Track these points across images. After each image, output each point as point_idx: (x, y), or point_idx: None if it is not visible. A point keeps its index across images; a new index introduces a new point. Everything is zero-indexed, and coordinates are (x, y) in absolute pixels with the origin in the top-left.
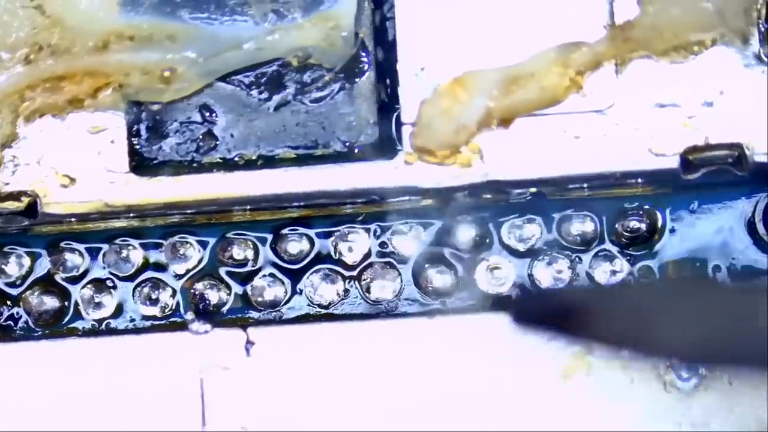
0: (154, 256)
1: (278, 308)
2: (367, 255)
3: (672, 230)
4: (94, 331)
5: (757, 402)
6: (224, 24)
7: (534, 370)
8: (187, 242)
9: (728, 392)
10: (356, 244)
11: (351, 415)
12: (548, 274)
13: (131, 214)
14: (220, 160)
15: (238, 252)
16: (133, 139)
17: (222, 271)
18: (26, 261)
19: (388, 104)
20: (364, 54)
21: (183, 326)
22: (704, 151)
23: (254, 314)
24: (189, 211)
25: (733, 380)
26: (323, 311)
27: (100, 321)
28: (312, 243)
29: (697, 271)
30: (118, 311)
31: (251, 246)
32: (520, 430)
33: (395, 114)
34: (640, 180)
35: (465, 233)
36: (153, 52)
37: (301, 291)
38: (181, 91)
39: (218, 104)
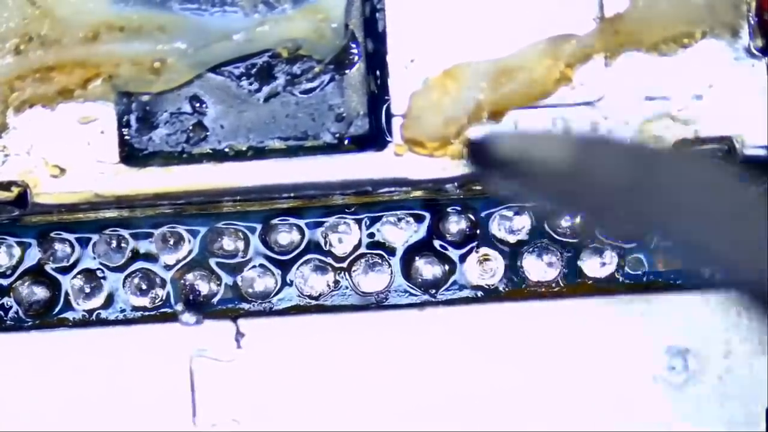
0: (145, 246)
1: (268, 299)
2: (357, 246)
3: None
4: (84, 322)
5: (747, 396)
6: (214, 15)
7: (522, 363)
8: (177, 233)
9: (718, 386)
10: (346, 235)
11: (341, 407)
12: (538, 266)
13: (121, 205)
14: (210, 151)
15: (228, 243)
16: (123, 129)
17: (212, 261)
18: (16, 251)
19: (378, 96)
20: (354, 45)
21: (173, 317)
22: (694, 144)
23: (244, 305)
24: (179, 202)
25: (723, 374)
26: (313, 302)
27: (90, 311)
28: (302, 234)
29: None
30: (109, 302)
31: (241, 237)
32: (509, 424)
33: (385, 106)
34: None
35: (454, 225)
36: (143, 43)
37: (292, 282)
38: (171, 81)
39: (208, 95)
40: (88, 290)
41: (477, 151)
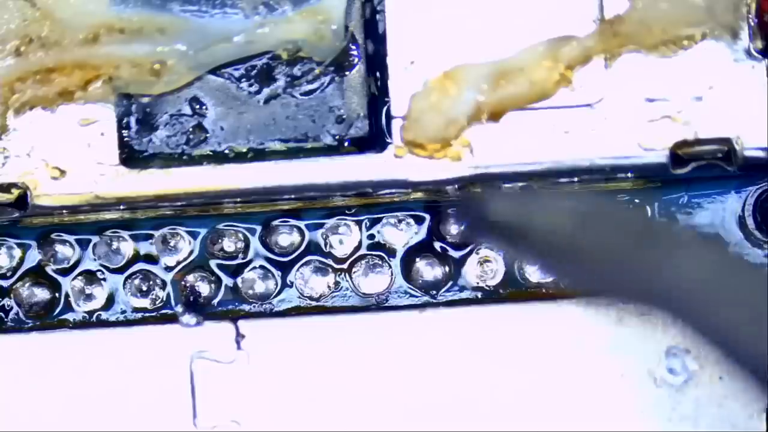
0: (145, 248)
1: (269, 301)
2: (358, 247)
3: None
4: (84, 323)
5: (747, 396)
6: (214, 17)
7: (522, 364)
8: (177, 234)
9: (718, 387)
10: (347, 236)
11: (342, 408)
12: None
13: (121, 207)
14: (210, 153)
15: (228, 244)
16: (123, 131)
17: (212, 263)
18: (17, 252)
19: (378, 97)
20: (354, 47)
21: (173, 319)
22: (693, 145)
23: (245, 307)
24: (179, 204)
25: (723, 375)
26: (314, 304)
27: (90, 313)
28: (302, 235)
29: None
30: (109, 303)
31: (242, 238)
32: (509, 424)
33: (385, 107)
34: (629, 174)
35: (455, 226)
36: (143, 44)
37: (292, 283)
38: (171, 83)
39: (208, 97)
40: (88, 292)
41: (470, 212)
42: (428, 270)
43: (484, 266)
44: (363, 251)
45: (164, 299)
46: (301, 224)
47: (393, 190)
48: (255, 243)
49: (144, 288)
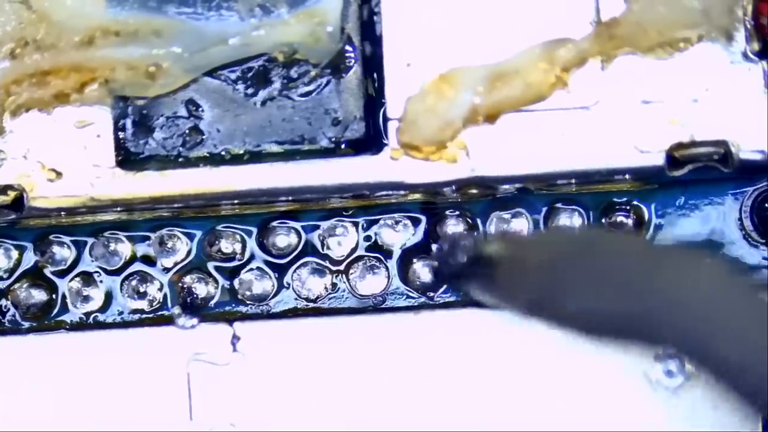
0: (142, 249)
1: (266, 302)
2: (354, 249)
3: (658, 226)
4: (81, 325)
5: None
6: (210, 19)
7: (519, 366)
8: (174, 235)
9: (714, 389)
10: (344, 238)
11: (338, 410)
12: None
13: (118, 208)
14: (207, 155)
15: (225, 246)
16: (119, 133)
17: (209, 265)
18: (14, 254)
19: (374, 100)
20: (350, 49)
21: (170, 320)
22: (690, 147)
23: (242, 308)
24: (176, 206)
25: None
26: (311, 305)
27: (87, 314)
28: (299, 237)
29: None
30: (106, 305)
31: (239, 240)
32: (506, 426)
33: (381, 109)
34: (626, 176)
35: (452, 228)
36: (139, 47)
37: (289, 285)
38: (167, 86)
39: (204, 99)
40: (85, 293)
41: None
42: (425, 271)
43: None
44: (360, 253)
45: (161, 301)
46: (298, 226)
47: (389, 192)
48: (252, 244)
49: (141, 289)
